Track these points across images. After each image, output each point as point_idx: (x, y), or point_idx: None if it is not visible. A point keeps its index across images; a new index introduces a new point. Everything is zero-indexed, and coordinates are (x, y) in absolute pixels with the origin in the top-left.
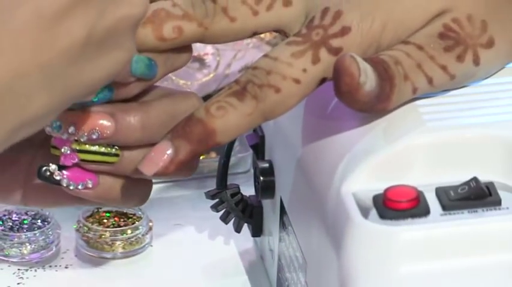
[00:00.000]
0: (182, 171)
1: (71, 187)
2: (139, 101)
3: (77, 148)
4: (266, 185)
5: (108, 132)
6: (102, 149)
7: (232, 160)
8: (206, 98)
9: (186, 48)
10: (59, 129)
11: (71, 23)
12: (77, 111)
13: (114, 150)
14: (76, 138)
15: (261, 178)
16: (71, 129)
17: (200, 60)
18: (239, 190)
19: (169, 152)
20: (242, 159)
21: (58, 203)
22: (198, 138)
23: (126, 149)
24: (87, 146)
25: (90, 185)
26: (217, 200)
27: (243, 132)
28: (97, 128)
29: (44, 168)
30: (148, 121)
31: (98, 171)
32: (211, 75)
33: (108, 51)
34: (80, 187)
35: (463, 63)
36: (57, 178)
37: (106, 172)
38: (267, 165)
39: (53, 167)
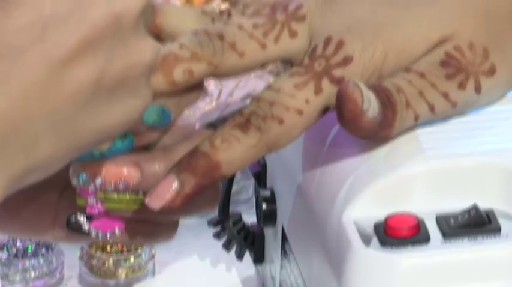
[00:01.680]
0: (202, 207)
1: (100, 236)
2: (162, 147)
3: (102, 197)
4: (268, 212)
5: (134, 181)
6: (127, 197)
7: (234, 187)
8: (208, 126)
9: (198, 84)
10: (85, 182)
11: (79, 69)
12: (102, 162)
13: (138, 197)
14: (102, 189)
15: (263, 206)
16: (98, 181)
17: None
18: (241, 217)
19: (175, 185)
20: (244, 187)
21: (86, 241)
22: (203, 171)
23: None
24: (112, 195)
25: (118, 233)
26: (219, 227)
27: (248, 164)
28: (123, 179)
29: (73, 219)
30: None
31: (124, 217)
32: (214, 103)
33: (121, 98)
34: (108, 235)
35: (464, 91)
36: (86, 228)
37: (132, 217)
38: (268, 193)
39: (81, 218)
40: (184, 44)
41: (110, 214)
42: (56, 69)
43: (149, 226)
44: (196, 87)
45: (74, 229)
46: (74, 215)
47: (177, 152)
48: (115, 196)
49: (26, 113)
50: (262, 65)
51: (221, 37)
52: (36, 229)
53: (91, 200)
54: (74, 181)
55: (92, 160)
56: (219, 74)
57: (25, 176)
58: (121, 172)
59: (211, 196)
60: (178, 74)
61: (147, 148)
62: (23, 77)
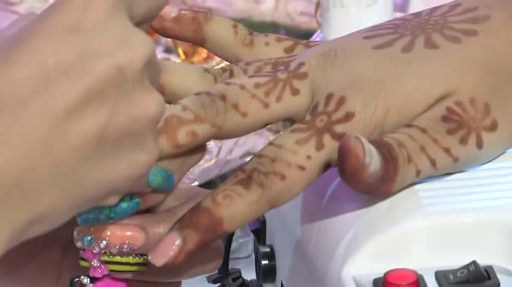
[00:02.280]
0: (205, 265)
1: None
2: (166, 209)
3: (106, 260)
4: (267, 269)
5: (139, 244)
6: (130, 260)
7: (234, 244)
8: (208, 183)
9: (200, 146)
10: (90, 244)
11: (82, 121)
12: (107, 225)
13: (142, 259)
14: (107, 251)
15: (262, 262)
16: (103, 244)
17: None
18: (240, 274)
19: (177, 242)
20: (243, 244)
21: None
22: (205, 227)
23: None
24: (116, 257)
25: None
26: (218, 284)
27: (250, 220)
28: (128, 241)
29: (76, 280)
30: None
31: (127, 279)
32: (213, 161)
33: (126, 152)
34: None
35: (466, 146)
36: None
37: (135, 279)
38: (268, 249)
39: (85, 280)
40: (186, 106)
41: (113, 276)
42: (59, 121)
43: (152, 285)
44: (198, 149)
45: None
46: (77, 277)
47: (180, 214)
48: (118, 258)
49: (28, 165)
50: (265, 125)
51: (223, 98)
52: None
53: (94, 262)
54: (78, 244)
55: (97, 222)
56: (223, 135)
57: (28, 228)
58: (126, 234)
59: (214, 257)
60: (182, 136)
61: (149, 210)
62: (25, 129)
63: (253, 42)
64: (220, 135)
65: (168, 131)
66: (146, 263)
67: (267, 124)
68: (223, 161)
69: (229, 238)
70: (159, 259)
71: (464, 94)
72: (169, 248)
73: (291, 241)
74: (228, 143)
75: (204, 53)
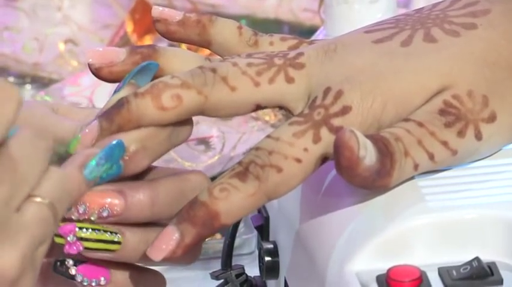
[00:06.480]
0: (185, 257)
1: (85, 283)
2: (147, 179)
3: (82, 236)
4: (271, 265)
5: (118, 209)
6: (105, 237)
7: (237, 241)
8: (211, 180)
9: (187, 121)
10: (69, 210)
11: None
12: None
13: (116, 238)
14: (86, 217)
15: (266, 259)
16: (82, 209)
17: (205, 142)
18: (244, 270)
19: (175, 236)
20: (247, 240)
21: None
22: (202, 221)
23: (130, 235)
24: (92, 234)
25: (103, 282)
26: (222, 280)
27: (248, 213)
28: (106, 206)
29: (60, 262)
30: (157, 198)
31: (102, 259)
32: (216, 157)
33: None
34: (93, 283)
35: (464, 139)
36: (72, 272)
37: (109, 259)
38: (271, 246)
39: (70, 262)
40: (176, 75)
41: (87, 255)
42: None
43: (135, 279)
44: (186, 124)
45: (61, 273)
46: (61, 259)
47: (161, 183)
48: (94, 234)
49: None
50: (257, 106)
51: (214, 70)
52: None
53: (70, 238)
54: None
55: None
56: (210, 108)
57: None
58: (105, 199)
59: (192, 251)
60: (167, 98)
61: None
62: None
63: (257, 43)
64: (207, 107)
65: (152, 92)
66: (120, 242)
67: (258, 106)
68: (227, 158)
69: (232, 234)
70: (157, 253)
71: (462, 87)
72: (167, 242)
73: (294, 237)
74: (232, 140)
75: (206, 50)
